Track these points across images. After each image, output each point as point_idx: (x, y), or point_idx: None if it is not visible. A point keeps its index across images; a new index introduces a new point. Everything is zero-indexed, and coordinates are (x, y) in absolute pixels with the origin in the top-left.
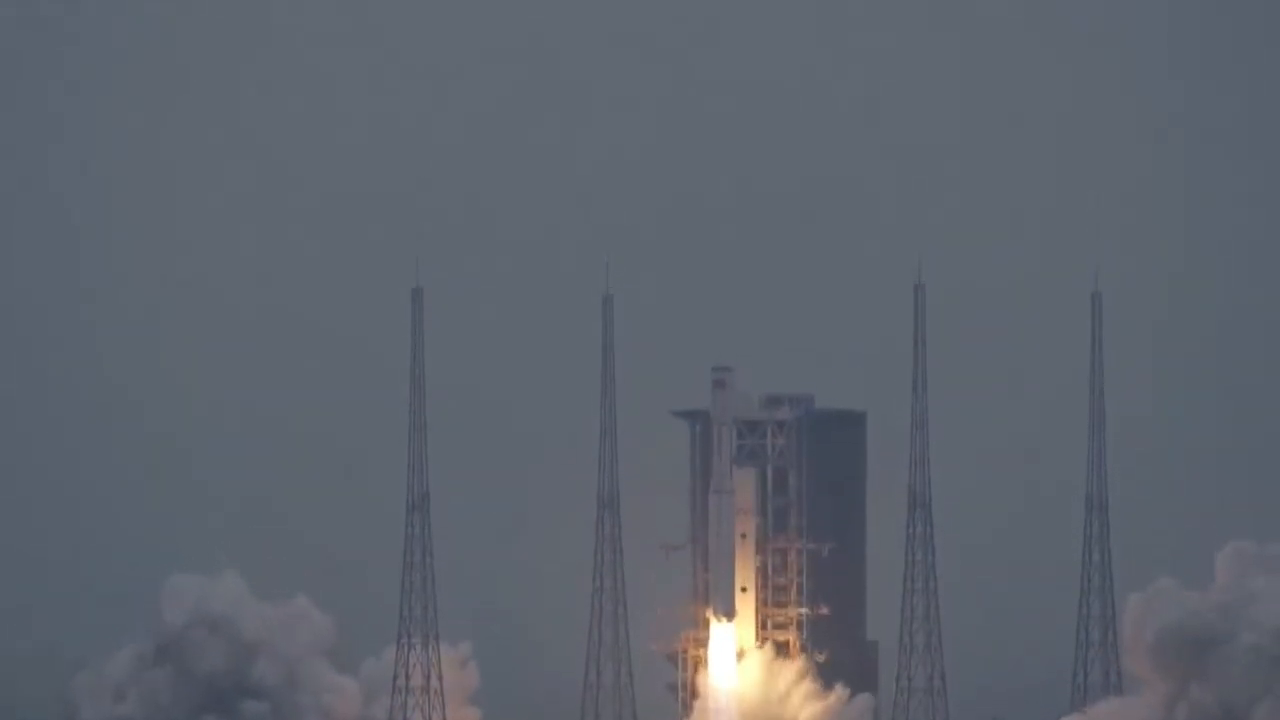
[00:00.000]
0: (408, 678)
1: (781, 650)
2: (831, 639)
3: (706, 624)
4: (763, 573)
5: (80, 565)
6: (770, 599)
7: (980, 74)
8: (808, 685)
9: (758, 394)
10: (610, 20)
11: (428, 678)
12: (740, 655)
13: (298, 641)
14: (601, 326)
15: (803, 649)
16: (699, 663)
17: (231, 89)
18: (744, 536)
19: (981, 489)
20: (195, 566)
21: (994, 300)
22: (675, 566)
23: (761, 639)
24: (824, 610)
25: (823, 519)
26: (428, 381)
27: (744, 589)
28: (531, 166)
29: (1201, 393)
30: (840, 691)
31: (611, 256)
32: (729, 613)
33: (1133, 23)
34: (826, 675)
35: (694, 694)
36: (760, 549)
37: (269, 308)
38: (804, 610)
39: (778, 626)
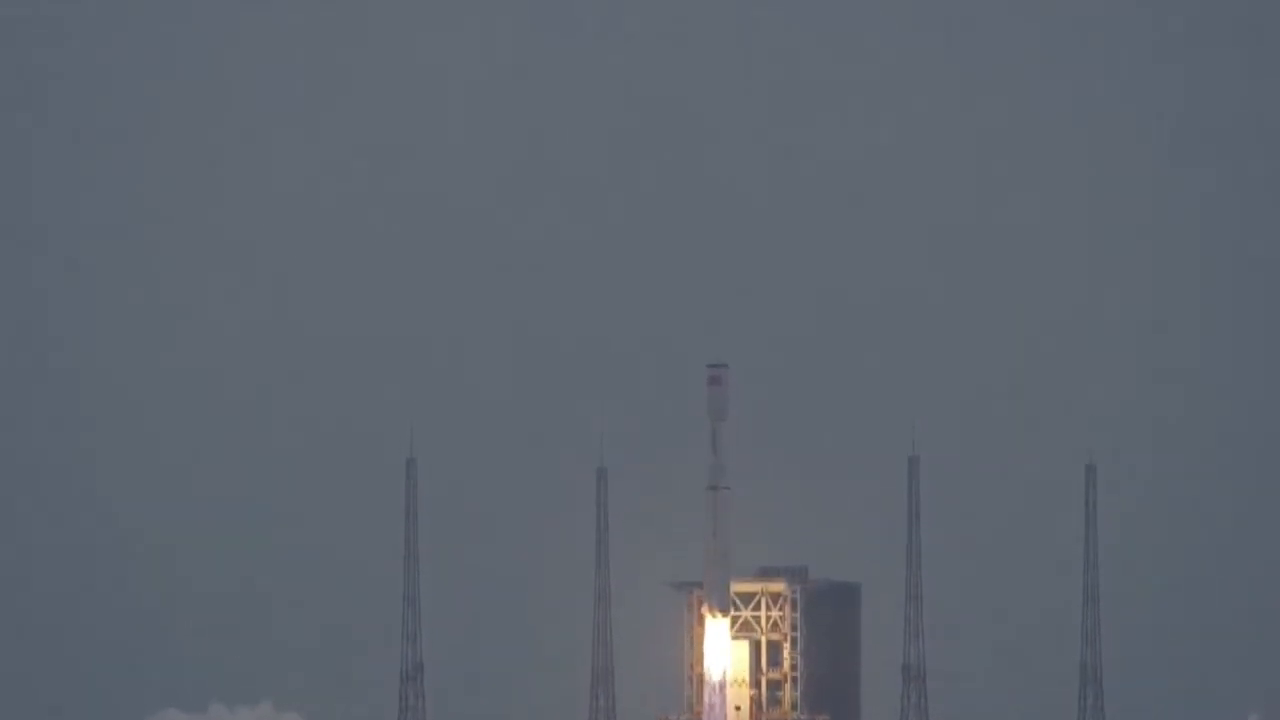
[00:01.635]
0: None
1: None
2: None
3: None
4: None
5: None
6: None
7: (973, 243)
8: None
9: (752, 566)
10: (604, 191)
11: None
12: None
13: None
14: (595, 497)
15: None
16: None
17: (229, 261)
18: (738, 709)
19: (976, 661)
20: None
21: (988, 472)
22: None
23: None
24: None
25: (817, 691)
26: (421, 552)
27: None
28: (523, 340)
29: (1196, 562)
30: None
31: (605, 428)
32: (723, 608)
33: (1126, 197)
34: None
35: None
36: None
37: (265, 473)
38: None
39: None
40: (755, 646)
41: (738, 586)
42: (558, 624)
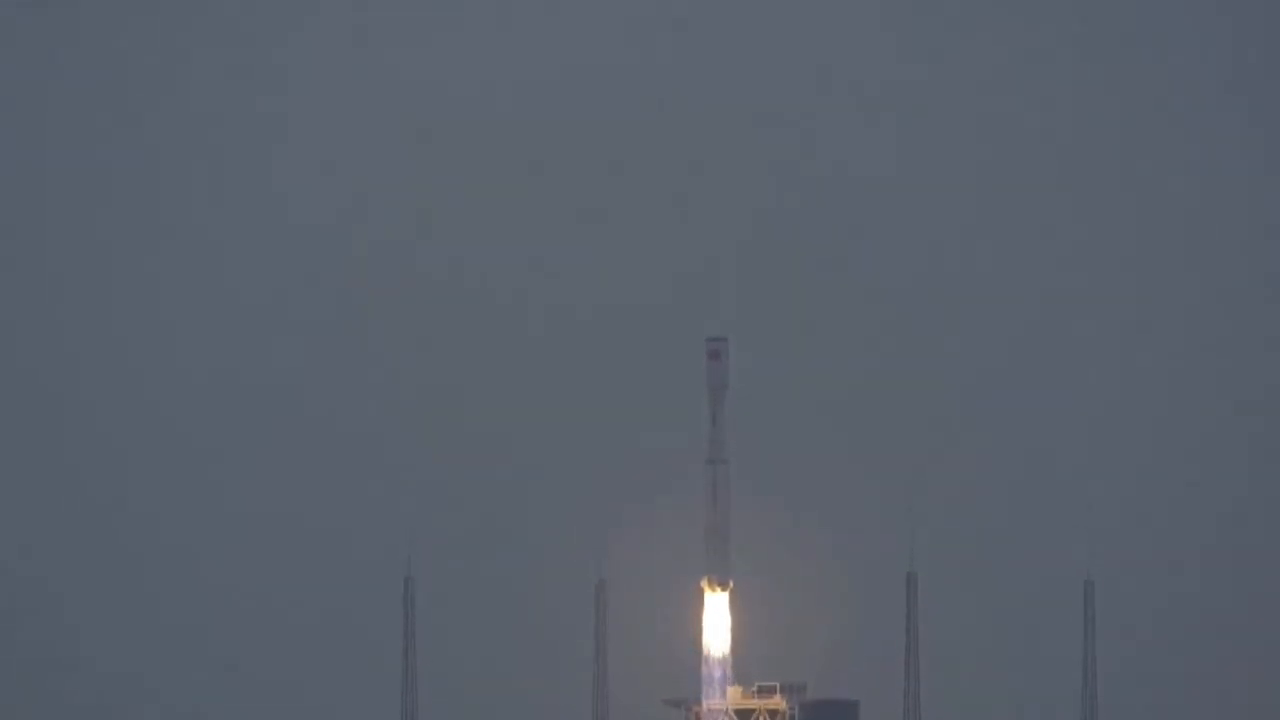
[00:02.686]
0: None
1: None
2: None
3: None
4: None
5: None
6: None
7: (971, 357)
8: None
9: (752, 683)
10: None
11: None
12: None
13: None
14: (594, 613)
15: None
16: None
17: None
18: None
19: None
20: None
21: (987, 588)
22: None
23: None
24: None
25: None
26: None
27: None
28: (520, 451)
29: (1195, 679)
30: None
31: (604, 541)
32: (724, 583)
33: (1129, 305)
34: None
35: None
36: None
37: (266, 597)
38: None
39: None
40: None
41: (736, 703)
42: None
